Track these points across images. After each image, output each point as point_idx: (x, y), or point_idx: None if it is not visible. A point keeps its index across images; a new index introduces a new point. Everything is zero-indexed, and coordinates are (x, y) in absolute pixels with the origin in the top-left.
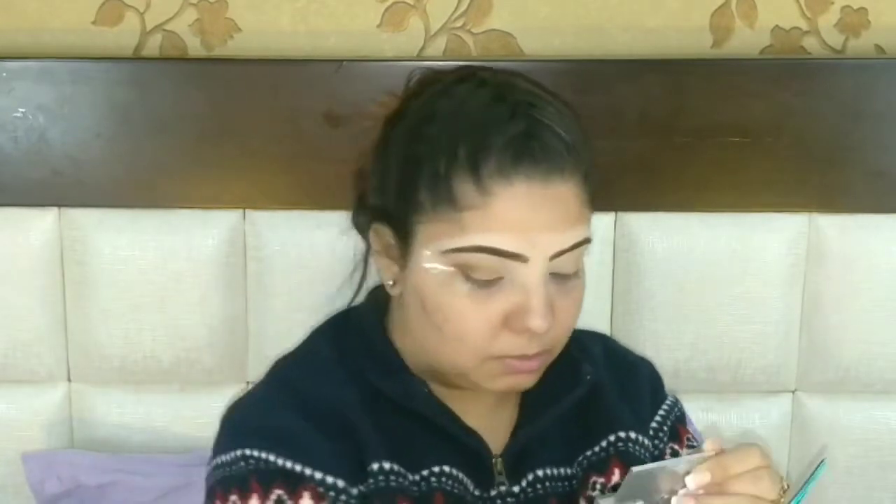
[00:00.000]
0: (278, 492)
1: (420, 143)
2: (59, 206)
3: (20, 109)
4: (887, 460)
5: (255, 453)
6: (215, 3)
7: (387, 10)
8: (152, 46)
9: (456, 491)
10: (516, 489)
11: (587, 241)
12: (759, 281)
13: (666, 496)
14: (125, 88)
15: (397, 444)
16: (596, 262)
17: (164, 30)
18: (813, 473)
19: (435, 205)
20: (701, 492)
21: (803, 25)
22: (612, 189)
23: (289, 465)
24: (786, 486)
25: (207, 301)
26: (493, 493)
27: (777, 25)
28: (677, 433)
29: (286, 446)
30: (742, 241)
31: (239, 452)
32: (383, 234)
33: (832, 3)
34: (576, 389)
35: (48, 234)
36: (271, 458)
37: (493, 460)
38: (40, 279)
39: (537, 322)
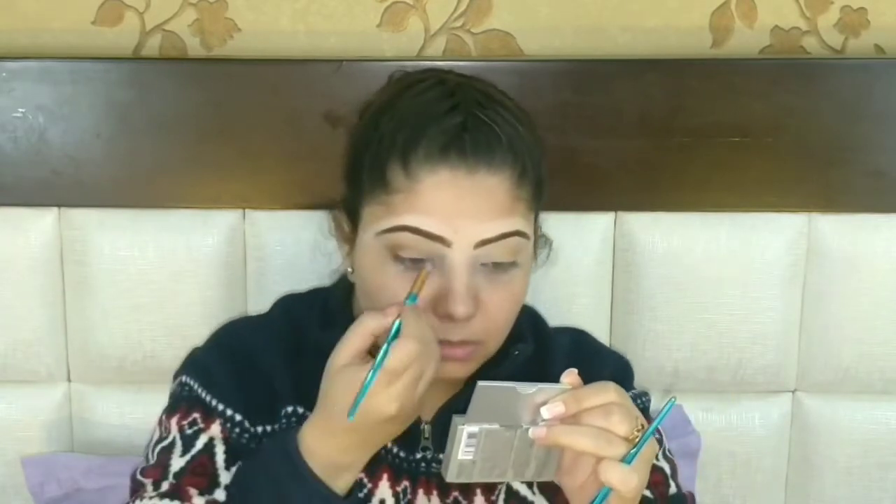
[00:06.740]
0: (195, 415)
1: (374, 131)
2: (59, 206)
3: (20, 109)
4: (887, 460)
5: (187, 380)
6: (215, 3)
7: (386, 10)
8: (152, 46)
9: None
10: (442, 456)
11: (519, 233)
12: (759, 281)
13: (525, 427)
14: (125, 88)
15: (314, 392)
16: (596, 261)
17: (164, 30)
18: (663, 410)
19: (372, 189)
20: (555, 422)
21: (803, 25)
22: (612, 189)
23: (205, 396)
24: (640, 427)
25: (207, 301)
26: (418, 455)
27: (777, 25)
28: None
29: (208, 382)
30: (742, 241)
31: (178, 379)
32: (340, 219)
33: (832, 2)
34: (501, 365)
35: (48, 234)
36: (196, 387)
37: (422, 426)
38: (40, 279)
39: (458, 308)
